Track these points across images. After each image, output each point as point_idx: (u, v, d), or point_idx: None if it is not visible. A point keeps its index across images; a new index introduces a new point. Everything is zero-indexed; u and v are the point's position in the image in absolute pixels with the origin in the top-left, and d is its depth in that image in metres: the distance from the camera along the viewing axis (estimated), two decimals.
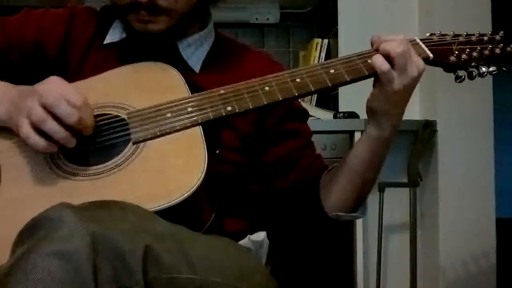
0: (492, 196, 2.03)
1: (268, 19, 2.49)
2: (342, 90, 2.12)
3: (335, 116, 2.03)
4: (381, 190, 1.97)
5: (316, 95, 2.24)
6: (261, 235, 1.04)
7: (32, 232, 0.70)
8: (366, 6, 2.20)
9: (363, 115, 1.71)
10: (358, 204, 1.04)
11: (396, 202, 2.05)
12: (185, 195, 0.83)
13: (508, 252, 2.25)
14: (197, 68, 1.06)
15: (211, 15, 1.13)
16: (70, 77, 0.97)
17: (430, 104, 2.08)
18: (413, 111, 2.13)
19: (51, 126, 0.86)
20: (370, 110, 0.96)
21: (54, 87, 0.89)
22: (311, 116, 1.95)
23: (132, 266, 0.70)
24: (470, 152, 2.02)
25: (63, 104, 0.86)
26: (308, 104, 2.19)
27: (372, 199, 1.95)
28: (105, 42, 1.07)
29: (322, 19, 2.47)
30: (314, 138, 1.16)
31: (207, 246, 0.86)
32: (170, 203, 0.82)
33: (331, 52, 2.26)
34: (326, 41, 2.30)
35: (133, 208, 0.78)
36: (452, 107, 2.02)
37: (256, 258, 1.03)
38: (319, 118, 1.99)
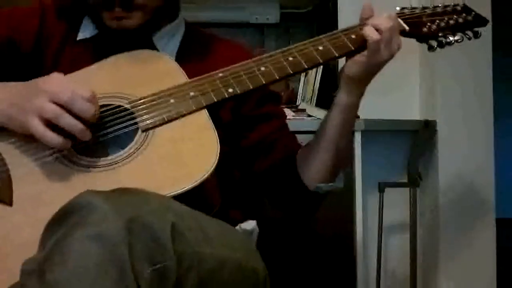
0: (492, 196, 2.03)
1: (268, 19, 2.49)
2: None
3: None
4: (381, 190, 1.96)
5: (316, 95, 2.23)
6: (251, 224, 1.07)
7: (64, 220, 0.71)
8: None
9: (363, 115, 1.71)
10: (335, 174, 1.10)
11: (396, 202, 2.04)
12: (206, 175, 0.86)
13: (508, 252, 2.25)
14: (172, 59, 1.07)
15: (179, 6, 1.14)
16: (47, 73, 0.95)
17: (430, 104, 2.08)
18: (413, 111, 2.13)
19: (68, 120, 0.86)
20: (346, 77, 1.02)
21: (63, 84, 0.89)
22: (311, 116, 1.95)
23: (164, 243, 0.72)
24: (470, 152, 2.02)
25: (79, 100, 0.87)
26: (308, 104, 2.19)
27: (372, 199, 1.95)
28: (78, 38, 1.07)
29: (322, 19, 2.47)
30: None
31: (219, 225, 0.89)
32: (193, 184, 0.85)
33: None
34: None
35: (151, 192, 0.80)
36: (452, 107, 2.02)
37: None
38: (319, 118, 1.98)
